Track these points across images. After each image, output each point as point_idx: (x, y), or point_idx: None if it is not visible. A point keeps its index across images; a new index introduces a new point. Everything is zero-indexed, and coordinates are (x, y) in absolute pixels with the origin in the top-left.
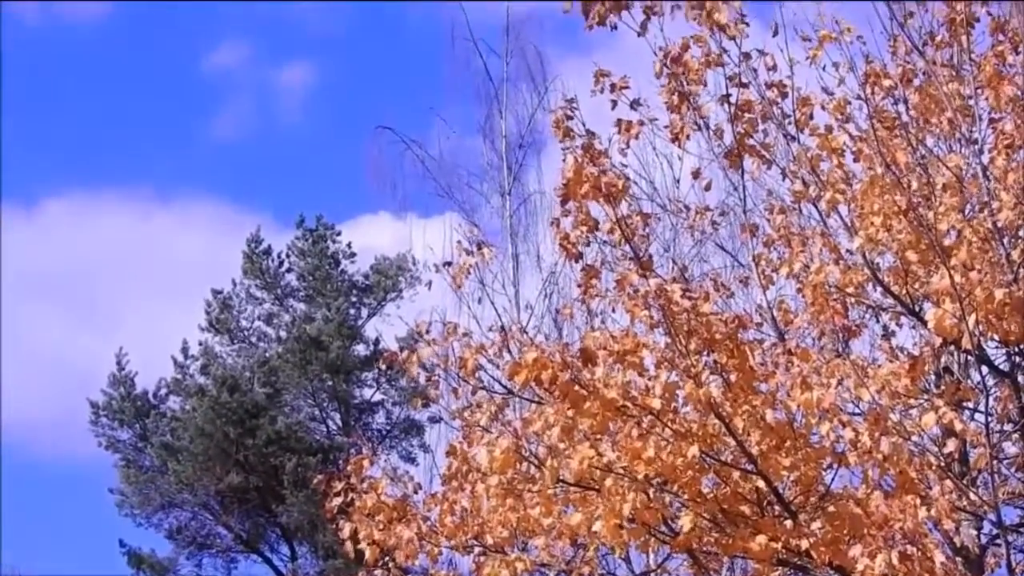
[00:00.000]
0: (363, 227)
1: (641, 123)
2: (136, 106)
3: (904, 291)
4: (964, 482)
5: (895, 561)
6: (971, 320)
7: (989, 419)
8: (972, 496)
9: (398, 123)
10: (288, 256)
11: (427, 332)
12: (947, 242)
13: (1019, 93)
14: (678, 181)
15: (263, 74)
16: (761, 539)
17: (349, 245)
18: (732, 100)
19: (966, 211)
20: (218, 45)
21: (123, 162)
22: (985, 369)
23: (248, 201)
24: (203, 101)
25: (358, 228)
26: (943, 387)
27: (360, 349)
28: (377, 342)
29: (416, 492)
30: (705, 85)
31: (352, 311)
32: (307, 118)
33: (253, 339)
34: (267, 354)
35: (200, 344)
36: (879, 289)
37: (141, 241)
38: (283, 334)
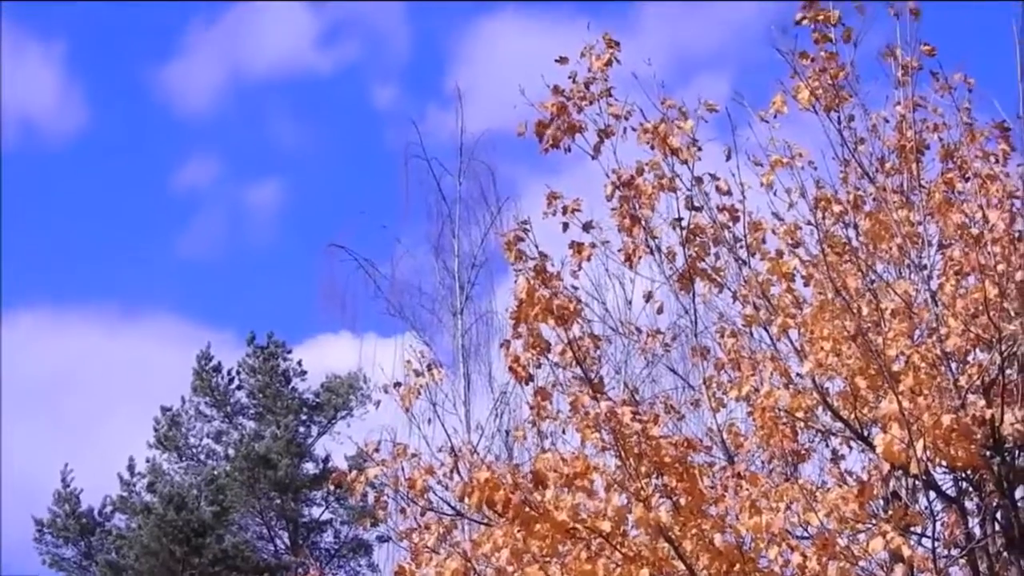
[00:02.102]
0: (324, 346)
1: (593, 245)
2: (105, 223)
3: (853, 416)
4: None
5: None
6: (919, 446)
7: (936, 544)
8: None
9: (359, 241)
10: (238, 373)
11: (376, 452)
12: (896, 367)
13: (967, 220)
14: (630, 303)
15: (231, 191)
16: None
17: (300, 363)
18: (684, 223)
19: (915, 337)
20: (187, 162)
21: (90, 278)
22: (932, 494)
23: (213, 319)
24: (171, 218)
25: (319, 347)
26: (891, 512)
27: (309, 467)
28: (327, 460)
29: None
30: (654, 210)
31: (302, 429)
32: (274, 235)
33: (201, 456)
34: (215, 472)
35: (148, 461)
36: (828, 413)
37: (104, 357)
38: (231, 452)
